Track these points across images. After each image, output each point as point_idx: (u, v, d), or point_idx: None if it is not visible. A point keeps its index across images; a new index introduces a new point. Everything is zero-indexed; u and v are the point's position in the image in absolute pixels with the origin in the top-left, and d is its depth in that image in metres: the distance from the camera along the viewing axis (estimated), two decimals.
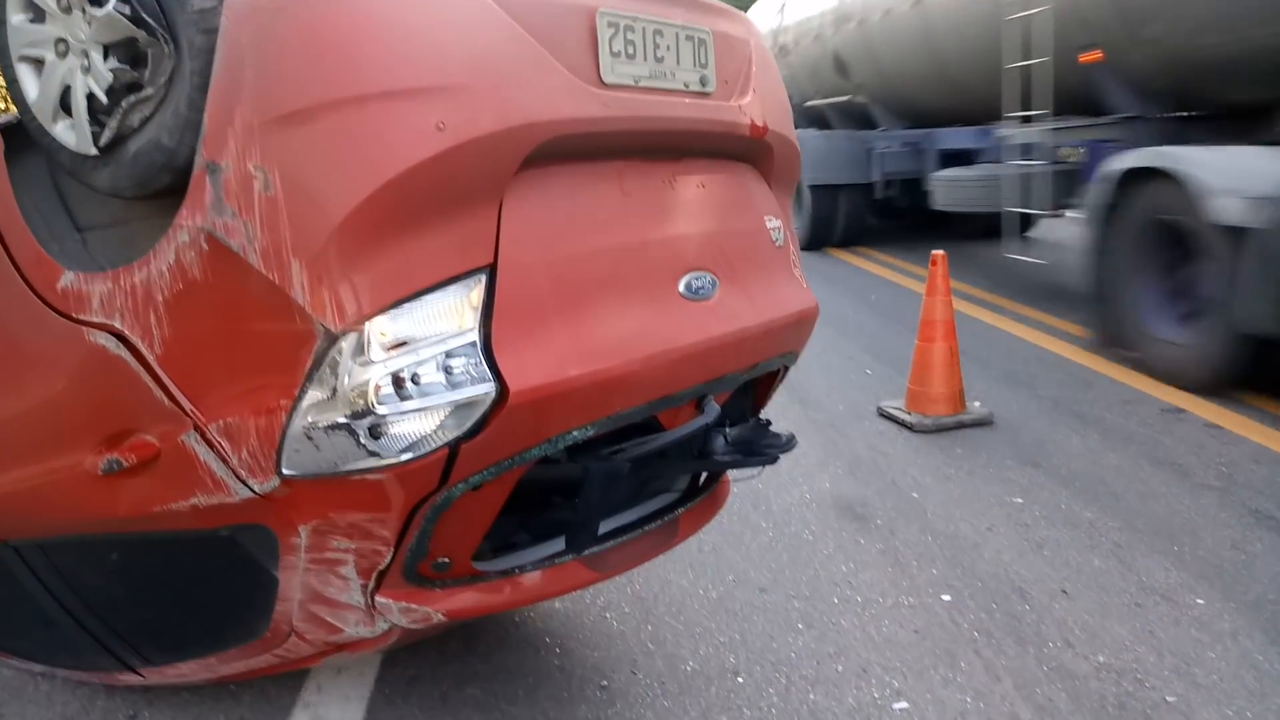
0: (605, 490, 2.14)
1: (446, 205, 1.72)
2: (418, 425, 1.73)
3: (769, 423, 2.57)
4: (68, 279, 1.85)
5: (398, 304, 1.69)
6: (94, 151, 1.79)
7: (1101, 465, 4.34)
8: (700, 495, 2.69)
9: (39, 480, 2.05)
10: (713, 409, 2.40)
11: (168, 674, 2.39)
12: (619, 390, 1.99)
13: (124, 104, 1.75)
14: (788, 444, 2.52)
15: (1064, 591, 3.19)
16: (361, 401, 1.69)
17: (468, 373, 1.73)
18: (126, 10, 1.71)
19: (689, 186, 2.27)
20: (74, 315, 1.85)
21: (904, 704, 2.60)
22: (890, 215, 12.19)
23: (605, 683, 2.72)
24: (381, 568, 1.95)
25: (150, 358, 1.80)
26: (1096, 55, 7.02)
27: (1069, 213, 7.51)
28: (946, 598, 3.17)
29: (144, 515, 1.97)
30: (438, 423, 1.74)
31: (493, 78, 1.78)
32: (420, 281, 1.71)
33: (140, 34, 1.72)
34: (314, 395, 1.70)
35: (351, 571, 1.95)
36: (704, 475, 2.73)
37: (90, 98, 1.78)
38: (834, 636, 2.95)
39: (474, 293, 1.75)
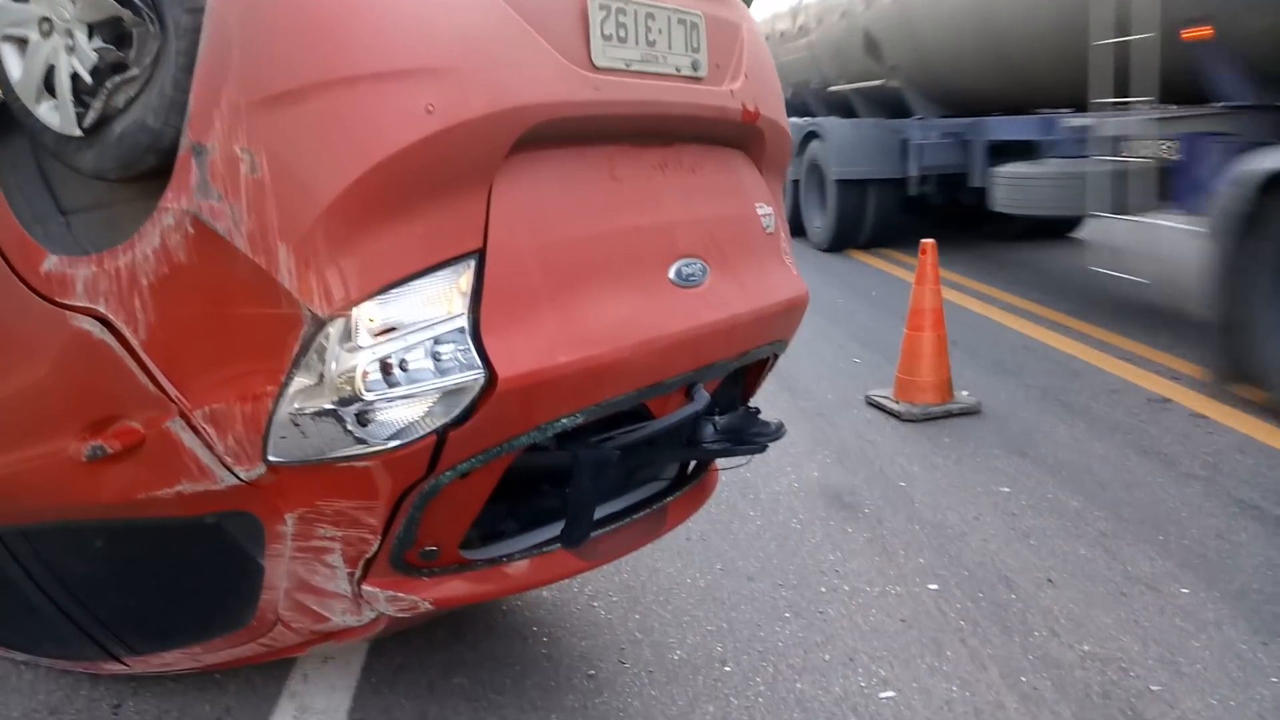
0: (595, 479, 2.13)
1: (435, 189, 1.70)
2: (405, 412, 1.72)
3: (758, 411, 2.57)
4: (51, 262, 1.82)
5: (386, 289, 1.67)
6: (78, 133, 1.76)
7: (1088, 454, 4.36)
8: (689, 483, 2.69)
9: (22, 466, 2.03)
10: (702, 397, 2.39)
11: (152, 663, 2.37)
12: (609, 377, 1.98)
13: (109, 84, 1.72)
14: (776, 432, 2.51)
15: (1050, 581, 3.20)
16: (349, 388, 1.67)
17: (456, 359, 1.72)
18: None
19: (680, 172, 2.25)
20: (57, 299, 1.83)
21: (890, 693, 2.60)
22: (921, 214, 11.11)
23: (593, 671, 2.71)
24: (368, 556, 1.93)
25: (135, 343, 1.77)
26: (1204, 32, 5.85)
27: (1169, 220, 6.38)
28: (933, 586, 3.18)
29: (128, 502, 1.95)
30: (426, 409, 1.72)
31: (483, 60, 1.76)
32: (409, 266, 1.69)
33: (125, 13, 1.69)
34: (301, 381, 1.68)
35: (338, 560, 1.93)
36: (692, 463, 2.73)
37: (74, 78, 1.75)
38: (821, 625, 2.95)
39: (463, 278, 1.74)
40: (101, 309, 1.78)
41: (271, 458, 1.74)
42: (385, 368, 1.68)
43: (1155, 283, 6.98)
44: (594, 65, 1.96)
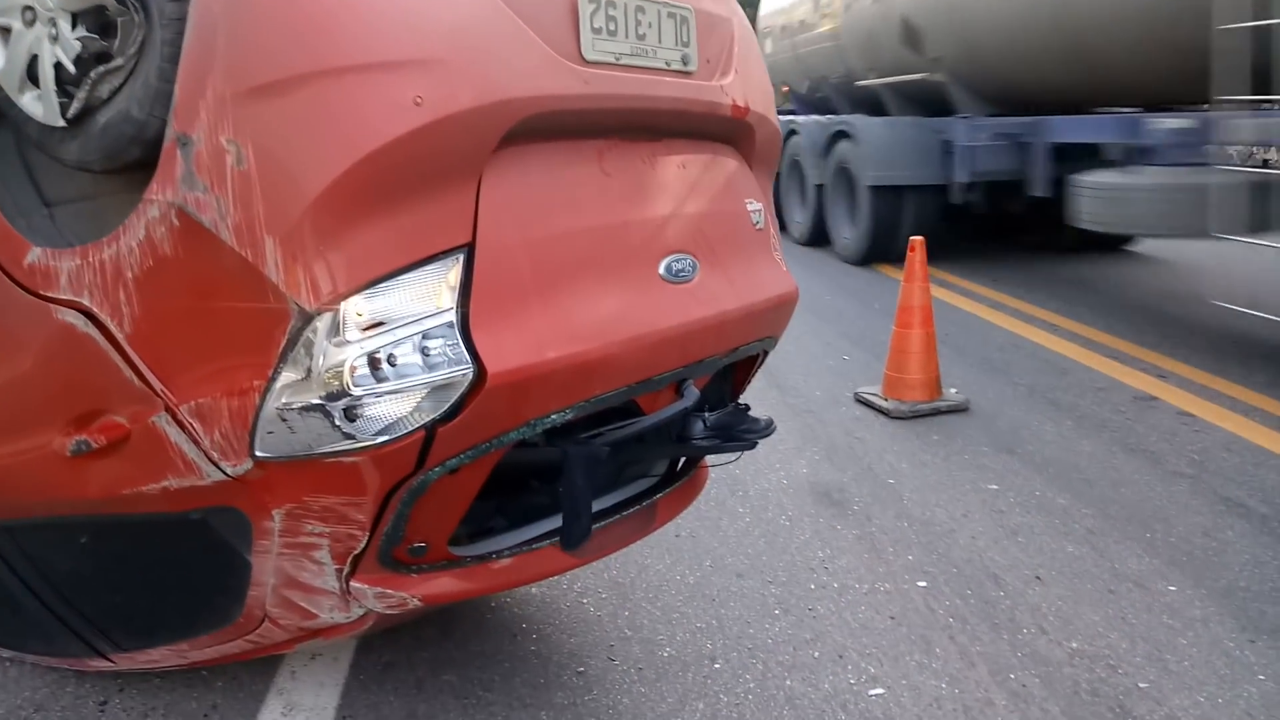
0: (587, 476, 2.12)
1: (424, 182, 1.69)
2: (394, 407, 1.71)
3: (748, 408, 2.56)
4: (35, 255, 1.80)
5: (374, 283, 1.66)
6: (62, 123, 1.74)
7: (1075, 452, 4.37)
8: (678, 480, 2.68)
9: (6, 462, 2.01)
10: (692, 393, 2.38)
11: (139, 660, 2.35)
12: (598, 373, 1.97)
13: (93, 74, 1.70)
14: (766, 429, 2.51)
15: (1038, 578, 3.21)
16: (336, 382, 1.66)
17: (445, 354, 1.71)
18: None
19: (670, 167, 2.25)
20: (41, 292, 1.81)
21: (880, 690, 2.60)
22: (958, 221, 9.94)
23: (582, 668, 2.70)
24: (357, 552, 1.92)
25: (120, 336, 1.76)
26: None
27: None
28: (922, 584, 3.18)
29: (114, 497, 1.94)
30: (414, 405, 1.71)
31: (472, 52, 1.75)
32: (397, 260, 1.68)
33: (109, 2, 1.68)
34: (288, 376, 1.67)
35: (326, 556, 1.92)
36: (682, 460, 2.72)
37: (58, 68, 1.73)
38: (810, 622, 2.95)
39: (452, 272, 1.73)
40: (86, 302, 1.77)
41: (258, 453, 1.73)
42: (373, 362, 1.67)
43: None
44: (583, 59, 1.95)
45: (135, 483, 1.88)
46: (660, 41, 2.15)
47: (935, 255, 8.47)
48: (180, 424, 1.77)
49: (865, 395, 5.13)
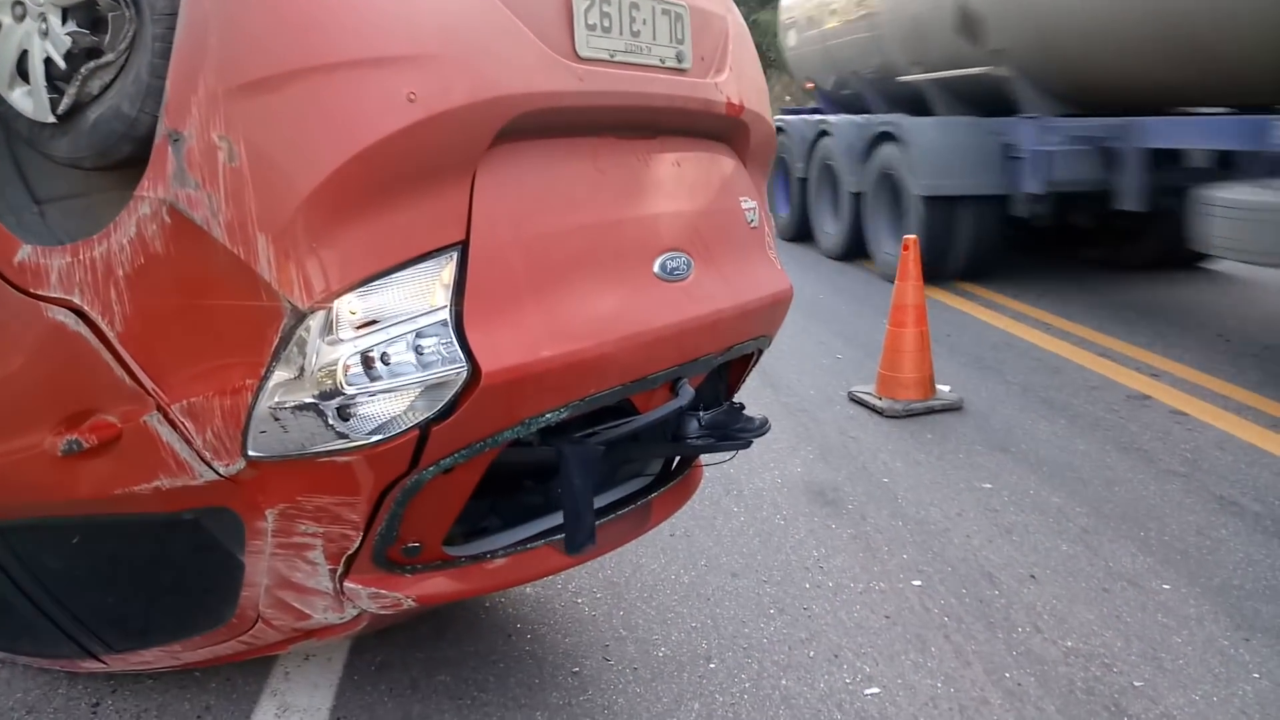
0: (585, 476, 2.11)
1: (417, 179, 1.68)
2: (387, 406, 1.70)
3: (743, 406, 2.56)
4: (25, 252, 1.79)
5: (367, 281, 1.65)
6: (52, 119, 1.73)
7: (1069, 451, 4.37)
8: (673, 479, 2.67)
9: None
10: (687, 392, 2.37)
11: (131, 661, 2.34)
12: (593, 372, 1.97)
13: (83, 70, 1.69)
14: (761, 428, 2.51)
15: (1032, 577, 3.21)
16: (330, 381, 1.65)
17: (439, 352, 1.70)
18: None
19: (664, 165, 2.24)
20: (31, 290, 1.80)
21: (875, 689, 2.60)
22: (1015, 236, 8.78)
23: (577, 669, 2.70)
24: (350, 552, 1.91)
25: (111, 335, 1.74)
26: None
27: None
28: (917, 583, 3.17)
29: (105, 498, 1.92)
30: (408, 403, 1.70)
31: (466, 48, 1.74)
32: (390, 258, 1.67)
33: None
34: (281, 375, 1.66)
35: (320, 556, 1.91)
36: (677, 459, 2.71)
37: (48, 63, 1.72)
38: (805, 622, 2.94)
39: (445, 270, 1.72)
40: (76, 300, 1.75)
41: (251, 452, 1.72)
42: (367, 361, 1.66)
43: None
44: (578, 55, 1.94)
45: (127, 483, 1.87)
46: (654, 38, 2.14)
47: (989, 274, 7.97)
48: (172, 423, 1.75)
49: (859, 394, 5.12)
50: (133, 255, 1.69)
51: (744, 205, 2.46)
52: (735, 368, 2.69)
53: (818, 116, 10.58)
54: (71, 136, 1.73)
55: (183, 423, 1.75)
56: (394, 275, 1.67)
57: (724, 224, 2.37)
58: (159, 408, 1.75)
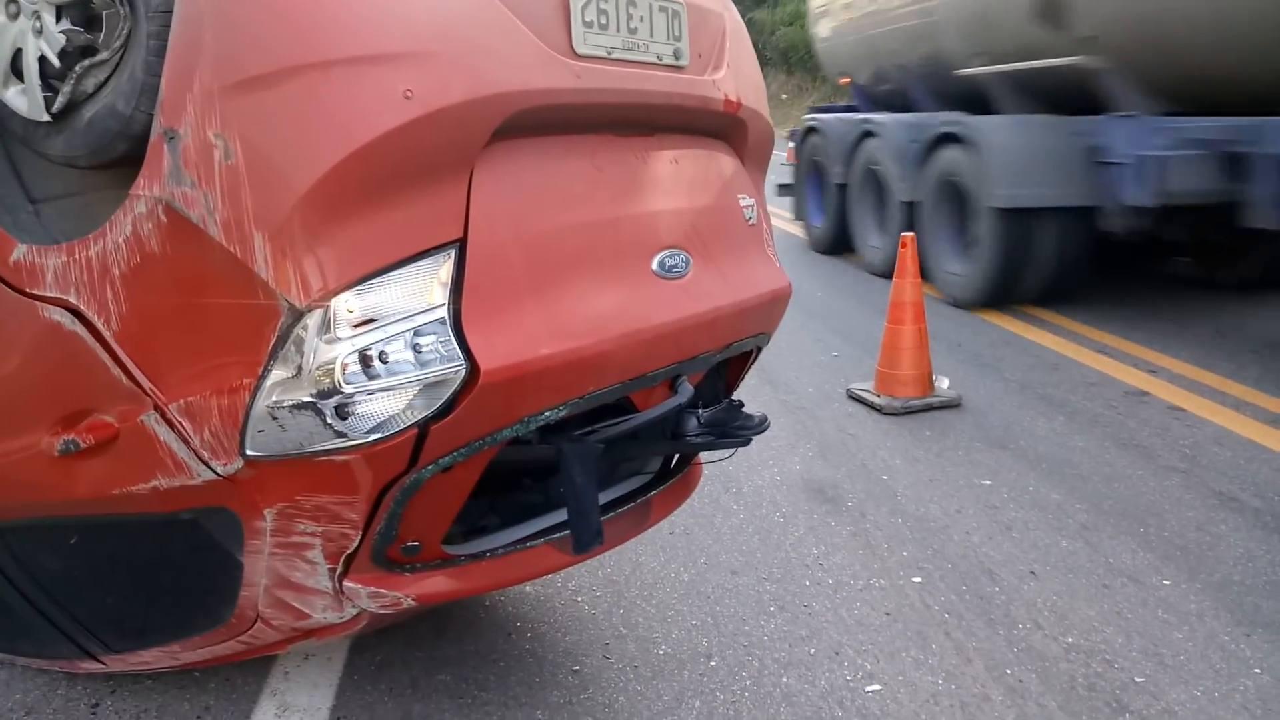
0: (586, 474, 2.10)
1: (415, 177, 1.67)
2: (386, 405, 1.69)
3: (742, 404, 2.55)
4: (20, 252, 1.78)
5: (365, 279, 1.64)
6: (46, 118, 1.72)
7: (1068, 448, 4.37)
8: (672, 477, 2.67)
9: None
10: (686, 389, 2.37)
11: (130, 661, 2.33)
12: (592, 370, 1.96)
13: (78, 68, 1.68)
14: (760, 425, 2.50)
15: (1033, 573, 3.20)
16: (328, 380, 1.64)
17: (437, 351, 1.69)
18: None
19: (662, 162, 2.23)
20: (27, 290, 1.79)
21: (876, 686, 2.59)
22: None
23: (577, 667, 2.69)
24: (349, 552, 1.91)
25: (107, 334, 1.74)
26: None
27: None
28: (917, 580, 3.17)
29: (103, 498, 1.91)
30: (406, 402, 1.70)
31: (463, 45, 1.73)
32: (388, 256, 1.66)
33: None
34: (278, 374, 1.65)
35: (319, 556, 1.90)
36: (676, 457, 2.71)
37: (42, 61, 1.71)
38: (806, 619, 2.94)
39: (443, 268, 1.71)
40: (72, 300, 1.75)
41: (249, 452, 1.71)
42: (365, 359, 1.65)
43: None
44: (575, 52, 1.93)
45: (125, 482, 1.86)
46: (652, 35, 2.13)
47: (1068, 299, 6.85)
48: (169, 423, 1.75)
49: (857, 391, 5.12)
50: (129, 254, 1.68)
51: (742, 203, 2.45)
52: (734, 365, 2.69)
53: (861, 116, 9.26)
54: (66, 135, 1.72)
55: (180, 422, 1.74)
56: (391, 273, 1.67)
57: (722, 221, 2.37)
58: (156, 407, 1.75)
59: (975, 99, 7.82)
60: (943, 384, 5.11)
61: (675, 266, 2.14)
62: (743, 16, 2.65)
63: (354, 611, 2.03)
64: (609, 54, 2.02)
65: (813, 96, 31.09)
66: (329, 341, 1.63)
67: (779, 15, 32.03)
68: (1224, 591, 3.06)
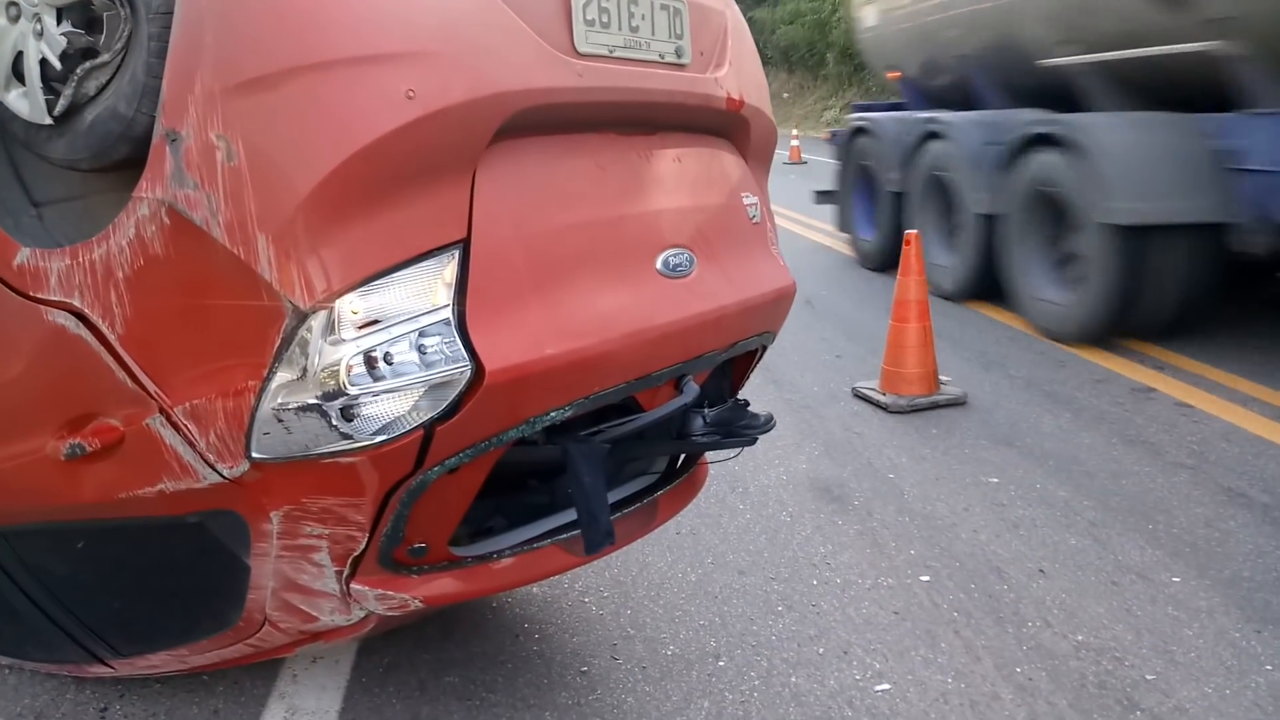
0: (594, 474, 2.09)
1: (417, 178, 1.67)
2: (391, 406, 1.68)
3: (747, 403, 2.54)
4: (24, 256, 1.78)
5: (369, 280, 1.64)
6: (48, 121, 1.72)
7: (1075, 445, 4.36)
8: (679, 477, 2.66)
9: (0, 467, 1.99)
10: (691, 389, 2.36)
11: (138, 665, 2.33)
12: (597, 369, 1.95)
13: (79, 71, 1.68)
14: (766, 424, 2.49)
15: (1041, 571, 3.19)
16: (333, 382, 1.64)
17: (442, 351, 1.69)
18: None
19: (665, 161, 2.23)
20: (31, 294, 1.79)
21: (885, 685, 2.58)
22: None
23: (585, 668, 2.68)
24: (356, 554, 1.90)
25: (111, 337, 1.73)
26: None
27: None
28: (925, 578, 3.16)
29: (109, 502, 1.91)
30: (412, 403, 1.69)
31: (464, 45, 1.73)
32: (392, 257, 1.66)
33: None
34: (283, 376, 1.65)
35: (326, 558, 1.90)
36: (682, 457, 2.70)
37: (44, 64, 1.71)
38: (814, 618, 2.93)
39: (447, 269, 1.71)
40: (76, 303, 1.74)
41: (255, 454, 1.71)
42: (369, 361, 1.65)
43: None
44: (577, 51, 1.93)
45: (131, 486, 1.86)
46: (653, 34, 2.13)
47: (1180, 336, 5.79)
48: (175, 426, 1.74)
49: (862, 390, 5.11)
50: (132, 257, 1.68)
51: (746, 201, 2.45)
52: (739, 364, 2.68)
53: (923, 114, 8.00)
54: (68, 138, 1.72)
55: (186, 425, 1.73)
56: (395, 274, 1.66)
57: (726, 220, 2.36)
58: (161, 410, 1.74)
59: (1058, 94, 6.62)
60: (947, 382, 5.10)
61: (679, 265, 2.13)
62: (744, 15, 2.64)
63: (361, 614, 2.03)
64: (611, 52, 2.01)
65: (814, 95, 31.14)
66: (333, 343, 1.63)
67: (780, 14, 32.07)
68: (1234, 588, 3.04)
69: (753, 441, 2.53)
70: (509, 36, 1.80)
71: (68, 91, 1.69)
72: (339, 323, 1.63)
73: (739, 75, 2.40)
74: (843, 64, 27.96)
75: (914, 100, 9.24)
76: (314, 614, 2.03)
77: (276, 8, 1.61)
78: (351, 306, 1.63)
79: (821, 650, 2.75)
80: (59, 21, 1.69)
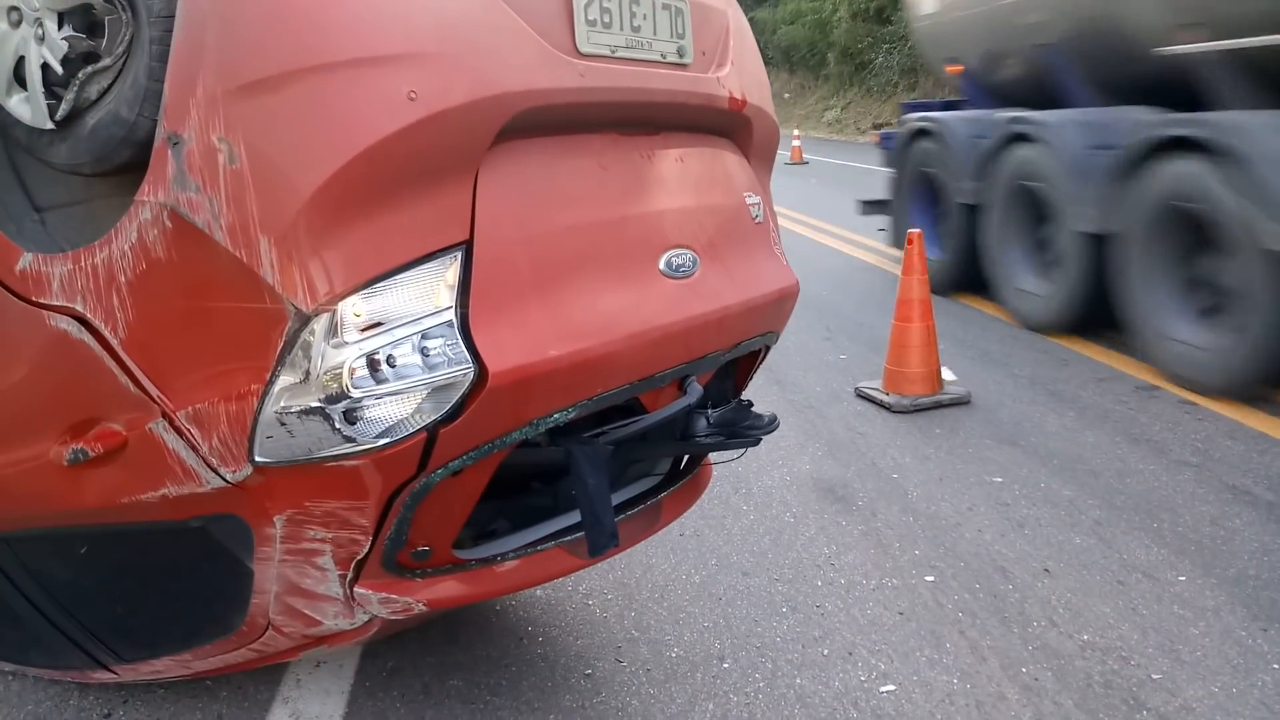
0: (598, 476, 2.08)
1: (420, 179, 1.66)
2: (394, 409, 1.68)
3: (751, 404, 2.54)
4: (26, 261, 1.78)
5: (371, 283, 1.64)
6: (50, 125, 1.72)
7: (1079, 443, 4.35)
8: (682, 478, 2.65)
9: (2, 472, 1.98)
10: (695, 390, 2.36)
11: (142, 671, 2.33)
12: (601, 371, 1.95)
13: (81, 75, 1.68)
14: (770, 425, 2.49)
15: (1046, 570, 3.18)
16: (336, 385, 1.63)
17: (445, 354, 1.68)
18: None
19: (667, 161, 2.22)
20: (33, 299, 1.78)
21: (891, 686, 2.58)
22: None
23: (589, 671, 2.68)
24: (360, 557, 1.90)
25: (114, 342, 1.73)
26: None
27: None
28: (930, 578, 3.15)
29: (112, 507, 1.91)
30: (415, 406, 1.69)
31: (466, 46, 1.72)
32: (394, 259, 1.65)
33: (96, 0, 1.65)
34: (286, 379, 1.64)
35: (329, 562, 1.90)
36: (686, 458, 2.69)
37: (45, 68, 1.70)
38: (819, 620, 2.92)
39: (450, 271, 1.70)
40: (79, 308, 1.74)
41: (258, 458, 1.70)
42: (372, 364, 1.64)
43: None
44: (579, 51, 1.92)
45: (134, 491, 1.86)
46: (655, 33, 2.13)
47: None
48: (178, 430, 1.74)
49: (866, 390, 5.10)
50: (134, 261, 1.67)
51: (748, 201, 2.44)
52: (742, 365, 2.67)
53: (1006, 114, 6.76)
54: (70, 142, 1.72)
55: (188, 429, 1.73)
56: (398, 276, 1.66)
57: (729, 220, 2.35)
58: (164, 415, 1.74)
59: (1172, 89, 5.50)
60: (950, 379, 5.09)
61: (682, 266, 2.12)
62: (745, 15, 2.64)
63: (365, 617, 2.02)
64: (613, 53, 2.01)
65: (815, 95, 31.16)
66: (336, 346, 1.62)
67: (781, 14, 32.10)
68: (1239, 586, 3.03)
69: (756, 442, 2.52)
70: (510, 37, 1.79)
71: (69, 96, 1.68)
72: (342, 325, 1.62)
73: (741, 75, 2.39)
74: (843, 64, 28.02)
75: (976, 97, 7.90)
76: (318, 618, 2.03)
77: (278, 10, 1.61)
78: (354, 309, 1.62)
79: (826, 651, 2.75)
80: (60, 26, 1.69)
